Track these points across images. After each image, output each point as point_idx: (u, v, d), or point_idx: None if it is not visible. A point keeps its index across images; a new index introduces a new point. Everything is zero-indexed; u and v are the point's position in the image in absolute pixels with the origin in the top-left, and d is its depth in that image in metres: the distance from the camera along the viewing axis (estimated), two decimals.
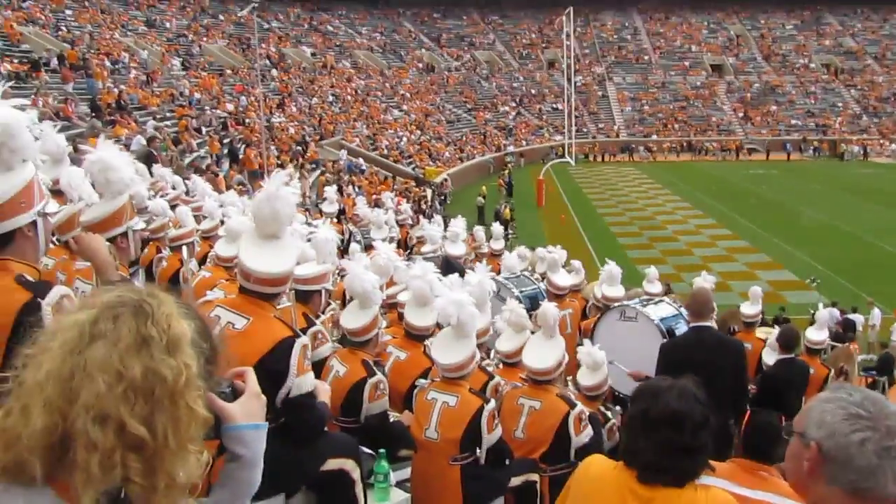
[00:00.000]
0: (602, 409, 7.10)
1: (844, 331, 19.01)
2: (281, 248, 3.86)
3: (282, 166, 29.39)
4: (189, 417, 1.56)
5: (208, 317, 1.63)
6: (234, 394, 1.88)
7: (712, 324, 6.90)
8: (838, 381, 8.58)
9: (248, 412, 1.88)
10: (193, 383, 1.58)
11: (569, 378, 7.08)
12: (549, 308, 5.75)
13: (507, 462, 5.16)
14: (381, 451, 4.47)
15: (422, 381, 5.25)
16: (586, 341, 6.88)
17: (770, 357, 9.04)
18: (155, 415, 1.51)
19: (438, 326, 5.80)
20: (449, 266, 8.26)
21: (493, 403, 4.96)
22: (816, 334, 9.90)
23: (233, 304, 3.88)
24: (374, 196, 28.62)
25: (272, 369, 3.58)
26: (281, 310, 4.89)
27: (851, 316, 20.31)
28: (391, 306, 7.06)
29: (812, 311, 12.90)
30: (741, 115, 71.94)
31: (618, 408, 7.43)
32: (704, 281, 10.05)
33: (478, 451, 4.92)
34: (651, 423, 2.51)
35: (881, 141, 66.09)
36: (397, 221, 14.87)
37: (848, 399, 1.98)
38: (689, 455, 2.49)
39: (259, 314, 3.79)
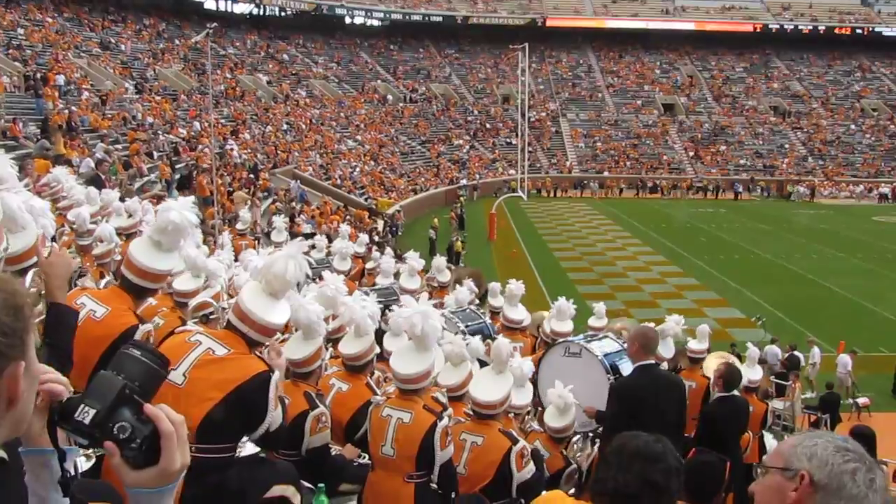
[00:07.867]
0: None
1: (788, 368, 19.25)
2: (282, 302, 4.06)
3: (231, 193, 29.19)
4: None
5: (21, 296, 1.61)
6: (144, 454, 1.69)
7: (662, 362, 6.97)
8: None
9: (158, 478, 1.70)
10: None
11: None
12: (502, 342, 5.78)
13: (454, 495, 5.10)
14: (321, 485, 4.41)
15: (377, 398, 5.22)
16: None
17: None
18: None
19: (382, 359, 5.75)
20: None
21: (445, 420, 4.93)
22: (752, 372, 10.17)
23: (217, 334, 4.02)
24: (323, 226, 28.48)
25: (248, 399, 3.73)
26: None
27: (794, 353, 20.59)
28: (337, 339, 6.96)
29: (760, 349, 13.14)
30: (692, 154, 73.10)
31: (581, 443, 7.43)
32: (676, 325, 10.14)
33: (433, 469, 4.89)
34: (628, 455, 2.63)
35: (824, 182, 67.63)
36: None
37: (834, 437, 2.14)
38: (657, 493, 2.59)
39: (240, 348, 3.90)
